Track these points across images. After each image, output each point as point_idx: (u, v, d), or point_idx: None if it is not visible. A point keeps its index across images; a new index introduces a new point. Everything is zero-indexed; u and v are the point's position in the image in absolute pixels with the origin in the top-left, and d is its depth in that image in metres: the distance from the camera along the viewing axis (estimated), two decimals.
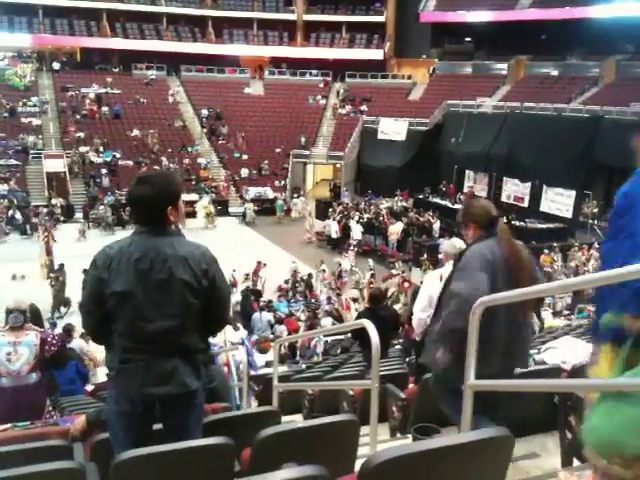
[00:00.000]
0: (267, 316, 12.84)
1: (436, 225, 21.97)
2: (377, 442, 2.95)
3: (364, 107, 33.62)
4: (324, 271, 17.39)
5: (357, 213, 23.43)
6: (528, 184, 24.06)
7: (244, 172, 29.56)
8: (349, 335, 9.56)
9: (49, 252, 17.03)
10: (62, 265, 15.21)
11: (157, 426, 2.71)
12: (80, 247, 18.59)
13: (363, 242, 21.64)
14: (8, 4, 33.07)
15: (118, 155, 28.13)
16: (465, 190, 26.70)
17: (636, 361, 1.82)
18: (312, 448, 2.35)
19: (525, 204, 24.16)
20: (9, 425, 3.41)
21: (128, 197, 2.84)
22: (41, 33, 34.56)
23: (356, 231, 21.64)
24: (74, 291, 13.21)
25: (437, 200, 26.11)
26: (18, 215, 22.75)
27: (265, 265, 17.07)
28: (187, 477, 2.35)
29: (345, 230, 22.04)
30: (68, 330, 8.79)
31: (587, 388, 2.12)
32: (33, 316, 4.76)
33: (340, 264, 18.02)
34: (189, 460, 2.30)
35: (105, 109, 31.09)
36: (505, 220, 21.48)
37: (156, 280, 2.58)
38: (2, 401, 4.09)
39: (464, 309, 2.56)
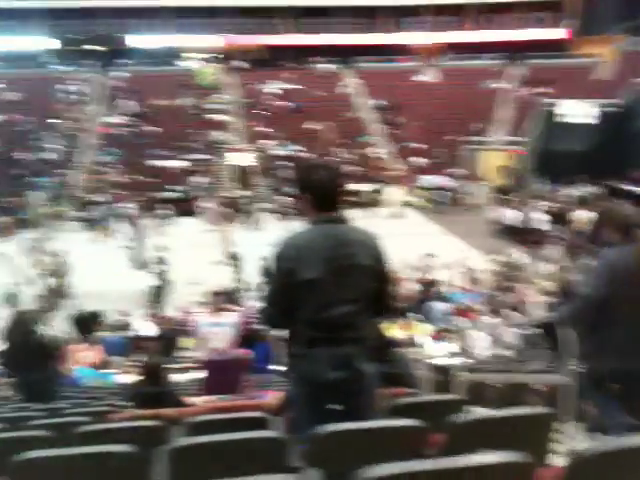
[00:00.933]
0: (440, 306, 12.68)
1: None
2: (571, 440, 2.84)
3: (546, 89, 31.80)
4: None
5: (538, 201, 22.33)
6: None
7: (419, 161, 29.39)
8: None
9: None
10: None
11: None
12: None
13: (545, 232, 20.54)
14: (201, 8, 35.71)
15: (298, 148, 29.25)
16: None
17: None
18: (505, 438, 2.32)
19: None
20: (215, 397, 3.73)
21: (306, 183, 2.84)
22: (230, 33, 36.94)
23: (537, 220, 20.62)
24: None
25: (631, 187, 24.00)
26: (208, 205, 24.50)
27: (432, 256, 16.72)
28: (379, 455, 2.42)
29: (526, 219, 21.09)
30: None
31: None
32: (230, 298, 5.15)
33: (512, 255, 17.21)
34: (381, 438, 2.37)
35: (285, 103, 32.45)
36: None
37: (340, 266, 2.67)
38: (210, 375, 4.48)
39: (576, 311, 3.01)
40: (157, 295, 14.92)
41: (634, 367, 2.96)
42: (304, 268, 2.66)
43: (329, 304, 2.68)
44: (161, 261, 15.69)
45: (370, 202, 25.45)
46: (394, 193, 25.27)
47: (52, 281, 15.49)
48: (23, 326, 5.23)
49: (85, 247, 19.65)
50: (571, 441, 2.80)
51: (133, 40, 36.40)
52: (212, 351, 4.56)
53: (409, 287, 14.04)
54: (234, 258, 16.44)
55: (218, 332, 4.57)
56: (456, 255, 17.25)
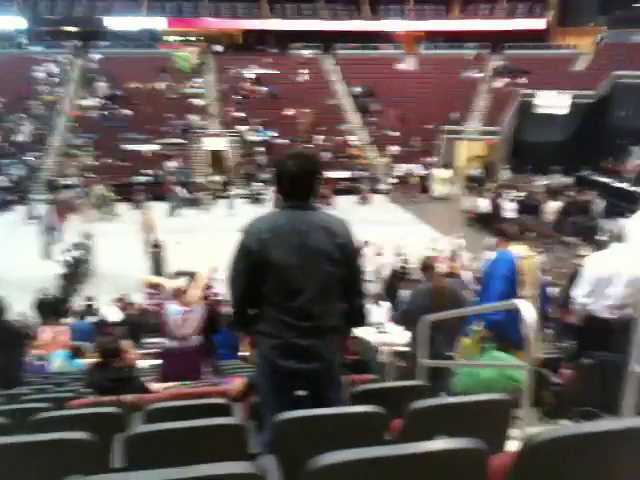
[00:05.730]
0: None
1: (599, 205, 20.56)
2: (527, 425, 2.88)
3: (523, 79, 32.00)
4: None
5: (511, 191, 22.55)
6: None
7: (394, 149, 29.44)
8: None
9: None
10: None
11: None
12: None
13: (517, 221, 20.78)
14: None
15: (275, 134, 29.12)
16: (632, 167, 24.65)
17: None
18: (463, 423, 2.33)
19: None
20: (175, 383, 3.71)
21: (280, 171, 2.85)
22: (206, 17, 36.49)
23: (509, 210, 20.82)
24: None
25: (601, 178, 24.37)
26: (183, 191, 24.37)
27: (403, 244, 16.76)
28: (341, 440, 2.43)
29: (497, 208, 21.29)
30: None
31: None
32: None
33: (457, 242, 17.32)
34: (342, 425, 2.37)
35: (262, 89, 32.25)
36: None
37: (307, 252, 2.66)
38: (169, 362, 4.46)
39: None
40: (69, 282, 14.70)
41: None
42: (270, 252, 2.66)
43: (295, 290, 2.67)
44: (79, 247, 15.53)
45: (346, 189, 25.57)
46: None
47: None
48: None
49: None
50: (528, 427, 2.83)
51: (111, 22, 35.73)
52: (175, 338, 4.54)
53: (380, 273, 14.09)
54: (155, 246, 15.91)
55: (182, 318, 4.54)
56: (426, 243, 17.30)
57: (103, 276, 15.55)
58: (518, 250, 4.53)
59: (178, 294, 4.53)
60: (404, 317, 5.41)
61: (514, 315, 3.65)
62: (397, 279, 14.32)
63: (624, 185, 23.01)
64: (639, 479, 1.73)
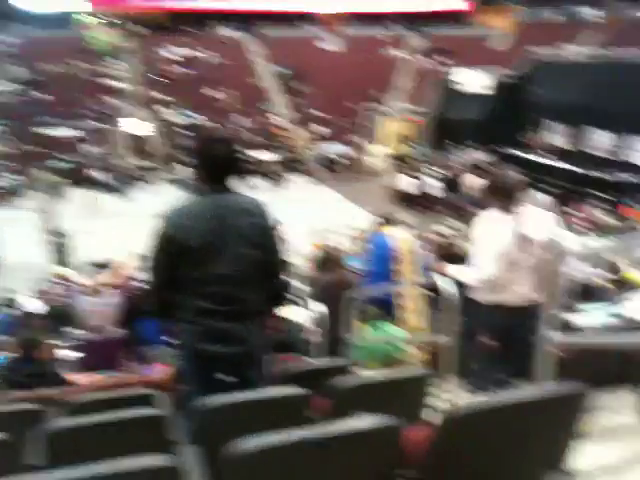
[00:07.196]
0: None
1: None
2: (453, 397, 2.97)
3: (445, 59, 32.57)
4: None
5: (435, 168, 23.01)
6: (616, 135, 22.78)
7: (320, 129, 29.48)
8: None
9: None
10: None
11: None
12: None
13: (440, 198, 21.26)
14: None
15: (199, 116, 28.60)
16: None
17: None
18: (385, 399, 2.38)
19: (613, 156, 22.94)
20: (97, 374, 3.62)
21: (200, 155, 2.82)
22: None
23: (433, 187, 21.27)
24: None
25: (520, 153, 25.17)
26: (102, 176, 23.66)
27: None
28: (264, 424, 2.43)
29: (422, 186, 21.72)
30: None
31: None
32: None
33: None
34: (266, 408, 2.37)
35: (186, 71, 31.55)
36: (591, 172, 20.69)
37: (227, 236, 2.64)
38: (87, 354, 4.34)
39: None
40: None
41: None
42: (189, 238, 2.62)
43: (216, 276, 2.65)
44: None
45: (272, 170, 25.45)
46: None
47: None
48: None
49: None
50: (452, 400, 2.91)
51: (20, 2, 33.93)
52: (90, 329, 4.42)
53: (306, 255, 14.04)
54: (57, 236, 15.35)
55: (91, 310, 4.43)
56: (351, 221, 17.39)
57: (13, 267, 14.81)
58: (394, 232, 4.98)
59: (87, 286, 4.40)
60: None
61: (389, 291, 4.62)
62: (325, 261, 14.37)
63: (543, 160, 23.87)
64: (550, 445, 1.80)
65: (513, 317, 3.27)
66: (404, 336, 4.59)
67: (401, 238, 5.03)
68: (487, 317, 3.22)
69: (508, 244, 3.23)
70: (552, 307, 3.28)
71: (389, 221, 5.23)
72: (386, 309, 4.88)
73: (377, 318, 4.83)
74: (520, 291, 3.30)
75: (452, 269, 3.85)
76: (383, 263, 4.83)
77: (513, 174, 3.58)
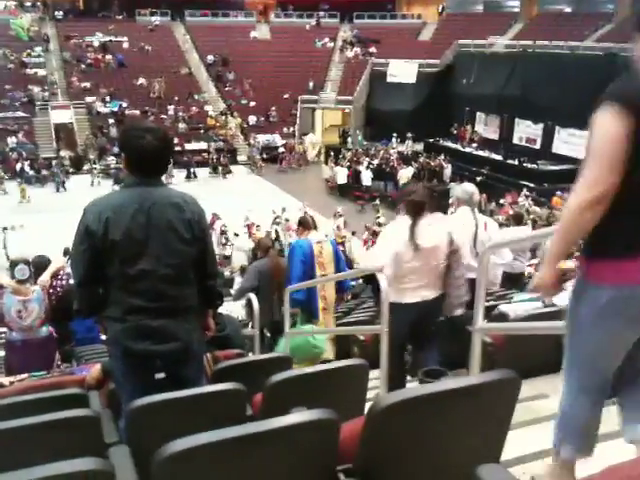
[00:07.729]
0: None
1: (447, 170, 21.75)
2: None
3: (373, 49, 32.82)
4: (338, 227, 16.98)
5: (367, 159, 23.22)
6: (541, 125, 23.61)
7: (252, 119, 29.23)
8: (360, 281, 9.62)
9: None
10: None
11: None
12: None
13: (373, 188, 21.53)
14: None
15: (125, 104, 27.88)
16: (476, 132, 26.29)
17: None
18: (322, 392, 2.38)
19: (538, 146, 23.76)
20: (26, 375, 3.48)
21: (125, 145, 2.71)
22: None
23: (366, 177, 21.48)
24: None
25: (448, 144, 25.76)
26: (27, 167, 22.79)
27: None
28: (200, 422, 2.39)
29: (355, 176, 21.90)
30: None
31: None
32: (37, 268, 4.74)
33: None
34: (201, 406, 2.33)
35: (109, 57, 30.64)
36: (517, 162, 21.38)
37: (154, 231, 2.56)
38: (14, 355, 4.16)
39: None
40: None
41: None
42: (112, 232, 2.51)
43: (142, 271, 2.56)
44: None
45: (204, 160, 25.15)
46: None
47: None
48: None
49: None
50: (385, 389, 2.95)
51: None
52: (16, 329, 4.24)
53: (241, 245, 14.00)
54: None
55: (16, 310, 4.24)
56: (284, 211, 17.42)
57: None
58: (314, 237, 5.32)
59: (8, 285, 4.21)
60: (241, 294, 5.87)
61: (312, 294, 5.09)
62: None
63: (469, 150, 24.49)
64: (482, 433, 1.84)
65: (416, 313, 3.68)
66: (324, 336, 4.87)
67: (320, 241, 5.40)
68: (396, 314, 3.43)
69: (401, 248, 3.57)
70: (456, 304, 3.73)
71: (308, 225, 5.46)
72: (309, 310, 5.23)
73: (301, 319, 5.19)
74: (420, 292, 3.68)
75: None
76: (303, 266, 5.12)
77: (421, 191, 3.84)
